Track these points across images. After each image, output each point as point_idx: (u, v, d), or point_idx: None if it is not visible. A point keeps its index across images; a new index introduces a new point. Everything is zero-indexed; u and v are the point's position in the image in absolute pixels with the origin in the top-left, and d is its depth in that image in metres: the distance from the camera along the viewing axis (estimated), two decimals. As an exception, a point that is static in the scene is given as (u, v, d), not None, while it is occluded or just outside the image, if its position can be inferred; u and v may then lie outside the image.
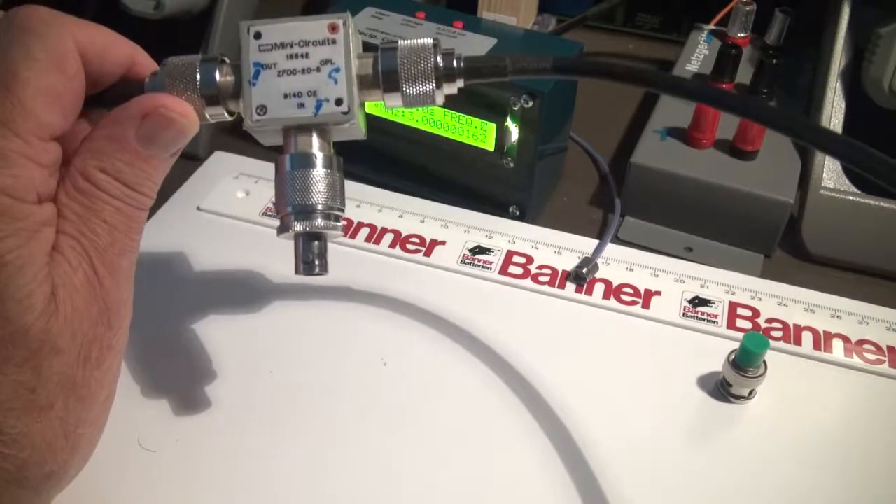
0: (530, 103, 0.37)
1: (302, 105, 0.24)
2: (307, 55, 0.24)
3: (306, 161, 0.24)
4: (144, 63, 0.26)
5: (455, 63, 0.25)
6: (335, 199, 0.25)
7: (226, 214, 0.41)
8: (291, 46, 0.24)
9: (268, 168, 0.44)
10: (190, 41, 0.46)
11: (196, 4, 0.46)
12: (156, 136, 0.24)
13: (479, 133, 0.40)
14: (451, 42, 0.40)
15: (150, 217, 0.39)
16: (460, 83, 0.26)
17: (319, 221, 0.24)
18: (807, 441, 0.31)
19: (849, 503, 0.29)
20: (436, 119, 0.40)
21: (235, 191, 0.42)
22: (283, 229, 0.25)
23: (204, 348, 0.34)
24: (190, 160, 0.45)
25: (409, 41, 0.25)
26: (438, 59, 0.25)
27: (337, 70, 0.24)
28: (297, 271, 0.25)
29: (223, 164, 0.45)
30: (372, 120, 0.42)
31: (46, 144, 0.22)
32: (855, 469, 0.31)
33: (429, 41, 0.25)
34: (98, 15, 0.48)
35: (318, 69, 0.24)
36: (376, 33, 0.40)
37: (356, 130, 0.25)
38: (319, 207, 0.24)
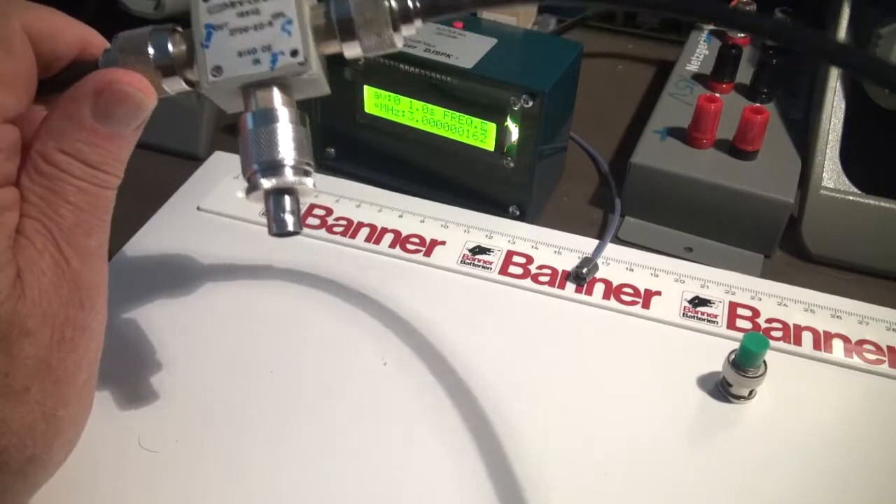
0: (530, 103, 0.37)
1: (257, 61, 0.23)
2: (258, 11, 0.24)
3: (269, 117, 0.23)
4: (97, 44, 0.25)
5: (410, 3, 0.24)
6: (303, 154, 0.24)
7: (226, 214, 0.41)
8: (241, 4, 0.24)
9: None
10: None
11: (196, 4, 0.46)
12: (112, 113, 0.23)
13: (479, 133, 0.40)
14: (451, 42, 0.40)
15: (150, 217, 0.40)
16: (418, 23, 0.25)
17: (289, 176, 0.23)
18: (807, 441, 0.31)
19: (849, 503, 0.30)
20: (436, 119, 0.40)
21: (235, 191, 0.42)
22: (251, 189, 0.24)
23: (204, 348, 0.34)
24: (190, 160, 0.45)
25: None
26: (392, 1, 0.24)
27: (289, 22, 0.24)
28: (269, 231, 0.24)
29: (223, 164, 0.45)
30: (372, 120, 0.42)
31: (0, 127, 0.22)
32: (855, 469, 0.31)
33: None
34: (97, 14, 0.48)
35: (269, 24, 0.24)
36: (376, 33, 0.40)
37: (318, 84, 0.25)
38: (287, 162, 0.23)
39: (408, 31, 0.25)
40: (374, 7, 0.24)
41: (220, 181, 0.43)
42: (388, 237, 0.40)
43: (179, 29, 0.24)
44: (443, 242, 0.40)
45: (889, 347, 0.35)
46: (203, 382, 0.32)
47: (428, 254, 0.39)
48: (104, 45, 0.25)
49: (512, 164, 0.40)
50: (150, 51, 0.24)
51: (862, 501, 0.30)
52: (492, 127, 0.39)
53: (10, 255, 0.22)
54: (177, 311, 0.35)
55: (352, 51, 0.25)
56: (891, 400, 0.33)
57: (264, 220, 0.40)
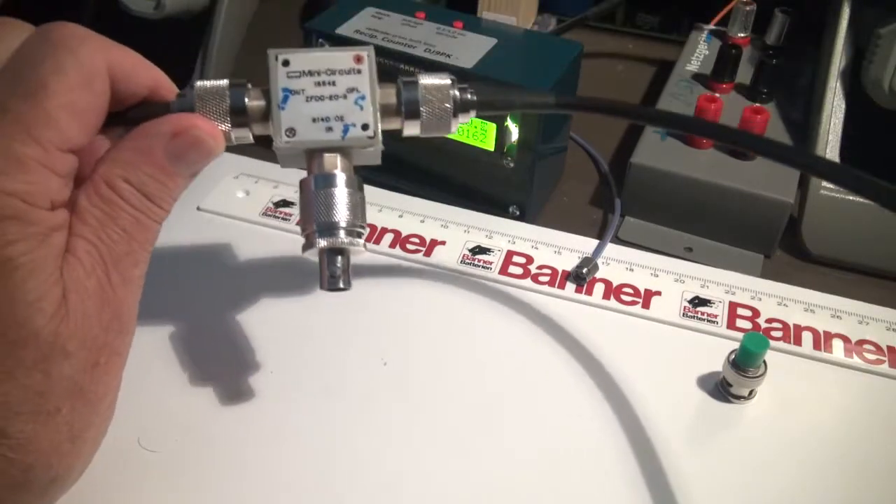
0: (530, 103, 0.37)
1: (330, 129, 0.25)
2: (334, 83, 0.26)
3: (330, 181, 0.25)
4: (167, 87, 0.26)
5: (469, 96, 0.27)
6: (357, 217, 0.26)
7: (226, 214, 0.41)
8: (319, 74, 0.26)
9: (268, 168, 0.44)
10: (190, 41, 0.46)
11: (196, 4, 0.46)
12: (184, 155, 0.24)
13: (479, 133, 0.40)
14: (452, 42, 0.40)
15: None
16: (473, 113, 0.27)
17: (343, 238, 0.25)
18: (807, 441, 0.31)
19: (849, 503, 0.29)
20: (436, 119, 0.40)
21: (235, 191, 0.43)
22: (307, 246, 0.26)
23: (204, 348, 0.34)
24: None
25: (429, 78, 0.27)
26: (456, 93, 0.27)
27: (363, 97, 0.26)
28: (322, 286, 0.26)
29: (223, 164, 0.44)
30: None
31: (64, 155, 0.23)
32: (855, 469, 0.31)
33: (447, 79, 0.27)
34: (98, 15, 0.48)
35: (344, 96, 0.26)
36: (376, 33, 0.40)
37: (376, 155, 0.27)
38: (342, 224, 0.25)
39: (464, 119, 0.28)
40: (441, 96, 0.27)
41: (220, 181, 0.43)
42: (388, 237, 0.40)
43: (251, 85, 0.26)
44: (443, 242, 0.40)
45: (889, 347, 0.35)
46: (203, 382, 0.32)
47: (428, 254, 0.39)
48: (172, 87, 0.27)
49: (512, 164, 0.40)
50: (228, 103, 0.25)
51: (862, 501, 0.30)
52: (492, 127, 0.39)
53: (58, 276, 0.22)
54: (176, 311, 0.35)
55: (411, 130, 0.27)
56: (891, 400, 0.33)
57: (264, 220, 0.41)
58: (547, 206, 0.44)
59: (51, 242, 0.22)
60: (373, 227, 0.40)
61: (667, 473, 0.30)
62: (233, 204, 0.42)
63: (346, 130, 0.26)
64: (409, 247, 0.40)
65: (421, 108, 0.26)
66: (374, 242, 0.40)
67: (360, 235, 0.26)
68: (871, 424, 0.32)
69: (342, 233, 0.25)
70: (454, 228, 0.41)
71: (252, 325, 0.35)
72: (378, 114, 0.26)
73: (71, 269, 0.23)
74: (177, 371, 0.33)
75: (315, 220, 0.25)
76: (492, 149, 0.40)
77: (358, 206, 0.26)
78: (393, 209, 0.42)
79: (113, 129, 0.26)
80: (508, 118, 0.38)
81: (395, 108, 0.27)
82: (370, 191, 0.43)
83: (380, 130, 0.26)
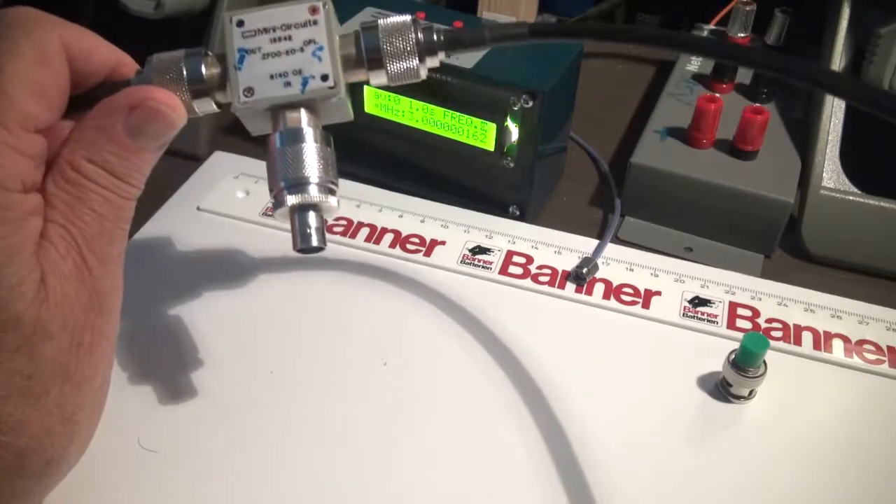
0: (530, 103, 0.37)
1: (288, 84, 0.25)
2: (290, 37, 0.25)
3: (296, 136, 0.24)
4: (129, 65, 0.26)
5: (435, 36, 0.26)
6: (328, 172, 0.25)
7: (226, 214, 0.41)
8: (274, 30, 0.25)
9: (268, 168, 0.44)
10: (190, 41, 0.46)
11: (196, 4, 0.46)
12: (143, 128, 0.24)
13: (479, 133, 0.40)
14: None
15: (150, 217, 0.40)
16: (442, 55, 0.26)
17: (314, 193, 0.24)
18: (807, 441, 0.31)
19: (849, 503, 0.29)
20: (436, 119, 0.40)
21: (235, 191, 0.43)
22: (277, 205, 0.25)
23: (204, 348, 0.34)
24: (190, 160, 0.45)
25: (388, 19, 0.25)
26: (419, 34, 0.25)
27: (320, 48, 0.25)
28: (294, 246, 0.25)
29: (223, 164, 0.45)
30: (372, 120, 0.42)
31: (31, 136, 0.23)
32: (855, 469, 0.31)
33: (407, 17, 0.25)
34: (97, 15, 0.48)
35: (301, 49, 0.25)
36: (376, 33, 0.40)
37: (343, 110, 0.26)
38: (313, 180, 0.24)
39: (432, 62, 0.26)
40: (402, 39, 0.25)
41: (219, 181, 0.43)
42: (388, 237, 0.40)
43: (210, 52, 0.25)
44: (443, 242, 0.40)
45: (889, 347, 0.35)
46: (203, 382, 0.32)
47: (428, 254, 0.39)
48: (135, 67, 0.26)
49: (512, 164, 0.40)
50: (184, 73, 0.25)
51: (862, 501, 0.30)
52: (492, 127, 0.39)
53: (36, 260, 0.22)
54: (176, 311, 0.35)
55: (378, 79, 0.26)
56: (891, 400, 0.33)
57: (264, 220, 0.41)
58: (547, 206, 0.44)
59: (27, 226, 0.22)
60: (373, 228, 0.40)
61: (667, 473, 0.30)
62: (233, 204, 0.42)
63: (305, 83, 0.24)
64: (409, 247, 0.40)
65: (383, 56, 0.25)
66: (374, 242, 0.40)
67: (332, 192, 0.25)
68: (871, 424, 0.32)
69: (313, 188, 0.24)
70: (454, 228, 0.41)
71: (252, 325, 0.35)
72: (339, 63, 0.25)
73: (46, 254, 0.23)
74: (176, 371, 0.33)
75: (283, 177, 0.24)
76: (492, 149, 0.40)
77: (328, 161, 0.25)
78: (393, 209, 0.42)
79: (78, 113, 0.25)
80: (508, 118, 0.38)
81: (357, 58, 0.25)
82: (370, 191, 0.43)
83: (342, 80, 0.25)
